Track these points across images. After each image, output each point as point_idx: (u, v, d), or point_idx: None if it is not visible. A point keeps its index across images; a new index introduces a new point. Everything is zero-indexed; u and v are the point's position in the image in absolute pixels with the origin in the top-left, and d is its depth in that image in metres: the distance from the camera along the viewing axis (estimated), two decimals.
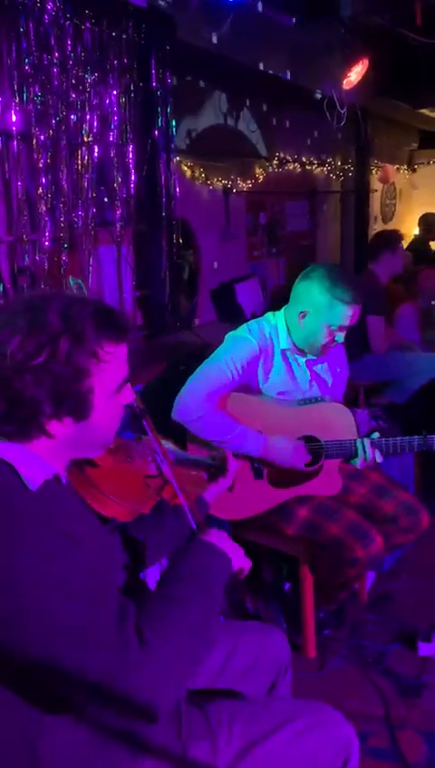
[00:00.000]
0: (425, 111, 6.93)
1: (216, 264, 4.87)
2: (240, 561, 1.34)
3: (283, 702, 1.53)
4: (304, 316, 2.29)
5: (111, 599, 1.10)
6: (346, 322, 2.26)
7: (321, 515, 2.28)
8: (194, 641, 1.13)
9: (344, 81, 5.06)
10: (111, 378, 1.16)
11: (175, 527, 1.56)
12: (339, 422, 2.31)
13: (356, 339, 3.97)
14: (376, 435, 2.27)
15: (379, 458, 2.24)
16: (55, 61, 2.94)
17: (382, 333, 4.01)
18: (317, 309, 2.26)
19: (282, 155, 5.74)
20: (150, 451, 1.53)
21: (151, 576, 1.66)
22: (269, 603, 2.74)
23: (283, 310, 2.39)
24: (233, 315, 4.76)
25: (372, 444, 2.24)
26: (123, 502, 1.35)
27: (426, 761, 2.03)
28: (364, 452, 2.22)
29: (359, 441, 2.24)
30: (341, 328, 2.28)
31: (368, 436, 2.26)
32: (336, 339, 2.30)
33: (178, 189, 3.77)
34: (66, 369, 1.10)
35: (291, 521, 2.31)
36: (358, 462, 2.24)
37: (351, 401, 4.02)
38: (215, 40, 3.78)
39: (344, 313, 2.24)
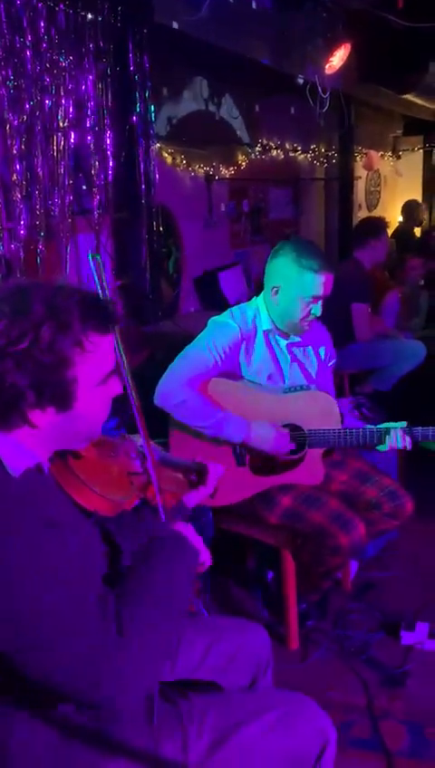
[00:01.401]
0: (409, 97, 6.88)
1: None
2: (202, 553, 1.37)
3: (256, 693, 1.51)
4: (276, 292, 2.27)
5: (93, 585, 1.11)
6: (319, 291, 2.24)
7: (303, 504, 2.26)
8: (166, 629, 1.15)
9: (327, 66, 5.00)
10: (95, 368, 1.15)
11: (152, 530, 1.54)
12: (323, 410, 2.29)
13: (340, 327, 3.95)
14: (404, 423, 2.24)
15: (409, 445, 2.21)
16: (28, 44, 2.87)
17: (367, 321, 3.99)
18: (288, 282, 2.24)
19: (265, 141, 5.68)
20: (135, 448, 1.52)
21: None
22: (251, 593, 2.73)
23: (262, 292, 2.36)
24: (217, 304, 4.71)
25: (404, 431, 2.21)
26: (106, 495, 1.33)
27: (408, 750, 2.03)
28: (397, 439, 2.20)
29: (389, 429, 2.21)
30: (314, 298, 2.25)
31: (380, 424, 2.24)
32: (313, 311, 2.27)
33: (157, 176, 3.71)
34: (49, 357, 1.08)
35: (273, 509, 2.29)
36: (389, 446, 2.21)
37: (336, 389, 4.00)
38: (193, 23, 3.71)
39: (314, 282, 2.22)
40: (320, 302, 2.27)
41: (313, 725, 1.34)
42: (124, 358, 1.41)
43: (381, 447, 2.24)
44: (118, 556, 1.45)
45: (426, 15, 4.86)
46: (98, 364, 1.15)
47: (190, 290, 4.74)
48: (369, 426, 2.28)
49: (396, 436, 2.21)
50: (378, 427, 2.25)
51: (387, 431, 2.22)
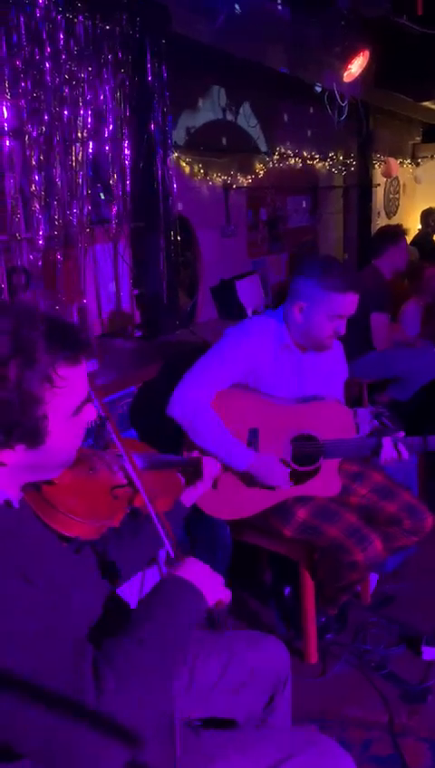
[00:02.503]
0: (428, 104, 6.83)
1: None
2: (218, 593, 1.22)
3: (282, 733, 1.46)
4: (301, 310, 2.26)
5: (65, 638, 1.02)
6: (344, 311, 2.23)
7: (319, 518, 2.23)
8: (155, 688, 1.04)
9: (345, 74, 4.97)
10: (67, 402, 1.09)
11: (151, 536, 1.49)
12: (337, 420, 2.27)
13: (359, 336, 3.91)
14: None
15: (404, 455, 2.18)
16: (47, 55, 2.88)
17: (385, 331, 3.95)
18: (313, 301, 2.23)
19: (282, 150, 5.67)
20: (117, 460, 1.44)
21: (135, 587, 1.60)
22: (269, 607, 2.70)
23: (281, 306, 2.35)
24: (234, 313, 4.71)
25: (397, 441, 2.19)
26: (86, 519, 1.26)
27: None
28: (395, 448, 2.17)
29: (380, 440, 2.19)
30: (340, 317, 2.23)
31: (393, 431, 2.20)
32: (337, 330, 2.25)
33: (175, 185, 3.71)
34: (16, 397, 1.03)
35: (289, 522, 2.26)
36: (380, 459, 2.18)
37: (354, 399, 3.97)
38: (211, 33, 3.72)
39: (340, 302, 2.21)
40: (344, 322, 2.26)
41: None
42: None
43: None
44: (114, 581, 1.42)
45: None
46: (69, 397, 1.09)
47: (208, 299, 4.73)
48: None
49: (390, 446, 2.17)
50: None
51: (380, 443, 2.18)
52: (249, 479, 2.24)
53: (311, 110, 5.68)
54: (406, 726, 2.13)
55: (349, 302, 2.23)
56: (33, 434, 1.07)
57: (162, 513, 1.41)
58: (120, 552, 1.47)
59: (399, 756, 2.02)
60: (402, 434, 2.22)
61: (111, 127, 3.30)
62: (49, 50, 2.89)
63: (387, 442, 2.17)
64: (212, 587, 1.21)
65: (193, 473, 1.67)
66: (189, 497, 1.66)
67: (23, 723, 0.96)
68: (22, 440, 1.07)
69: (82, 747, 0.96)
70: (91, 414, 1.16)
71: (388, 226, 4.80)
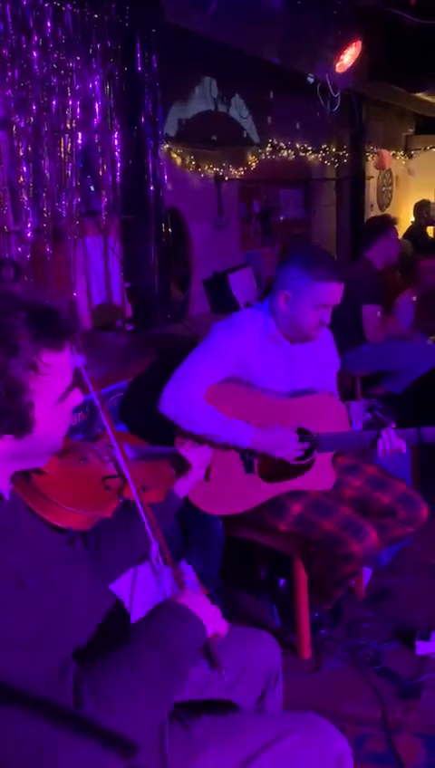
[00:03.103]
0: (421, 95, 6.81)
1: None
2: (216, 625, 1.19)
3: (272, 717, 1.45)
4: (286, 299, 2.24)
5: (50, 655, 1.00)
6: (329, 300, 2.21)
7: (314, 511, 2.21)
8: (141, 709, 1.02)
9: (337, 65, 4.94)
10: (52, 389, 1.07)
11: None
12: (330, 413, 2.25)
13: (352, 329, 3.89)
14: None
15: (403, 448, 2.17)
16: (35, 44, 2.83)
17: (377, 323, 3.92)
18: (297, 290, 2.21)
19: (275, 141, 5.62)
20: (108, 450, 1.43)
21: (127, 584, 1.58)
22: (263, 602, 2.68)
23: (268, 297, 2.33)
24: (227, 306, 4.66)
25: (397, 433, 2.17)
26: (77, 509, 1.23)
27: (424, 765, 1.97)
28: (389, 440, 2.15)
29: (380, 431, 2.17)
30: (325, 307, 2.21)
31: (387, 424, 2.19)
32: (322, 319, 2.23)
33: (166, 177, 3.67)
34: (2, 388, 1.01)
35: (284, 517, 2.24)
36: (379, 450, 2.16)
37: (347, 392, 3.95)
38: (202, 23, 3.67)
39: (325, 291, 2.20)
40: (329, 311, 2.24)
41: (331, 750, 1.29)
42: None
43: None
44: (107, 571, 1.40)
45: None
46: (55, 384, 1.07)
47: (200, 292, 4.70)
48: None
49: (388, 438, 2.15)
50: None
51: (379, 435, 2.16)
52: (248, 465, 2.22)
53: (303, 102, 5.63)
54: (400, 722, 2.11)
55: (334, 292, 2.21)
56: (20, 423, 1.05)
57: (150, 507, 1.39)
58: (112, 546, 1.45)
59: (393, 752, 2.00)
60: (394, 425, 2.20)
61: (99, 117, 3.25)
62: (36, 39, 2.85)
63: (386, 434, 2.15)
64: (210, 618, 1.18)
65: (183, 463, 1.66)
66: (182, 488, 1.66)
67: (7, 727, 0.94)
68: (9, 430, 1.05)
69: (64, 758, 0.94)
70: (77, 399, 1.14)
71: (376, 217, 4.77)
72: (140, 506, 1.35)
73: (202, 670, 1.47)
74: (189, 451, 1.69)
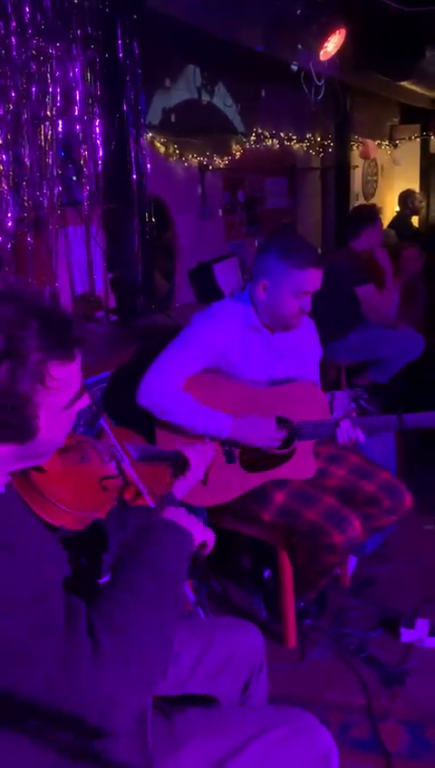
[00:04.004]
0: (405, 84, 6.77)
1: None
2: (201, 534, 1.24)
3: (256, 710, 1.45)
4: (264, 288, 2.23)
5: (56, 603, 0.99)
6: (308, 287, 2.20)
7: (298, 501, 2.21)
8: (154, 637, 1.03)
9: (321, 53, 4.90)
10: (59, 399, 1.07)
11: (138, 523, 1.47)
12: (311, 402, 2.25)
13: (337, 319, 3.88)
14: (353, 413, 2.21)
15: (361, 437, 2.17)
16: (13, 30, 2.79)
17: (376, 300, 3.88)
18: (276, 278, 2.20)
19: (259, 130, 5.59)
20: (110, 450, 1.42)
21: None
22: (248, 592, 2.68)
23: (247, 287, 2.31)
24: (212, 296, 4.64)
25: (353, 423, 2.17)
26: (72, 509, 1.23)
27: (408, 751, 1.98)
28: (346, 431, 2.16)
29: (339, 420, 2.16)
30: (304, 293, 2.20)
31: (347, 415, 2.19)
32: (302, 307, 2.21)
33: (149, 166, 3.63)
34: (6, 400, 1.00)
35: (267, 506, 2.24)
36: (338, 438, 2.16)
37: (332, 381, 3.95)
38: (185, 9, 3.63)
39: (303, 278, 2.18)
40: (309, 298, 2.22)
41: (316, 744, 1.29)
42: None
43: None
44: (96, 570, 1.39)
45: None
46: (62, 395, 1.06)
47: (185, 282, 4.67)
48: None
49: (346, 428, 2.16)
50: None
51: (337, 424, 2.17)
52: (230, 455, 2.21)
53: (288, 91, 5.59)
54: (385, 709, 2.13)
55: (313, 278, 2.20)
56: (24, 431, 1.05)
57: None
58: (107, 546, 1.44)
59: (377, 739, 2.01)
60: (354, 415, 2.20)
61: (80, 105, 3.21)
62: (14, 24, 2.80)
63: (345, 424, 2.14)
64: (196, 528, 1.22)
65: (182, 464, 1.67)
66: (180, 488, 1.67)
67: (27, 688, 0.94)
68: (13, 438, 1.05)
69: (87, 706, 0.94)
70: (83, 402, 1.13)
71: (362, 206, 4.77)
72: (150, 503, 1.37)
73: (183, 665, 1.47)
74: (191, 450, 1.69)
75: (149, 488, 1.48)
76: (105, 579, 1.24)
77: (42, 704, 0.95)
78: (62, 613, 0.98)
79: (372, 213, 4.16)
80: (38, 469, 1.20)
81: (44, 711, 0.96)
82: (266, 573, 2.68)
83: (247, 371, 2.27)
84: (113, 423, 2.59)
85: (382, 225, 4.33)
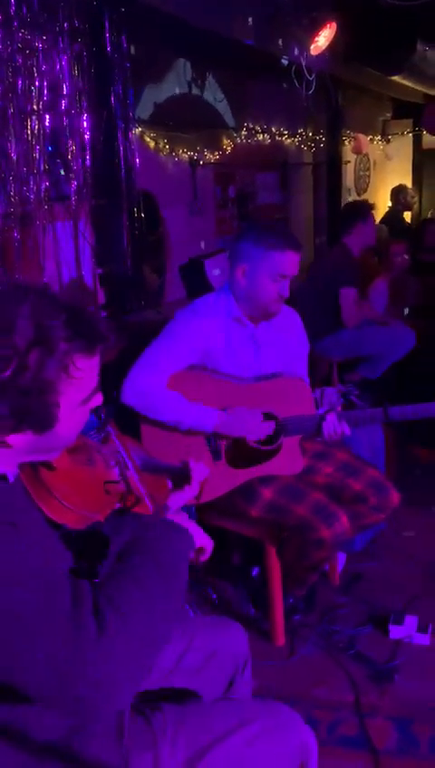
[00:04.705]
0: (397, 79, 6.74)
1: None
2: (201, 539, 1.29)
3: (235, 704, 1.44)
4: (243, 273, 2.21)
5: (62, 581, 1.02)
6: (285, 270, 2.19)
7: (286, 496, 2.19)
8: (156, 622, 1.05)
9: (312, 47, 4.88)
10: (79, 391, 1.11)
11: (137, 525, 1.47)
12: (296, 398, 2.23)
13: (329, 313, 3.88)
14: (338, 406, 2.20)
15: (347, 431, 2.16)
16: None
17: (354, 306, 3.91)
18: (253, 262, 2.18)
19: (250, 125, 5.57)
20: (115, 455, 1.45)
21: None
22: (237, 589, 2.66)
23: (228, 279, 2.30)
24: (203, 292, 4.60)
25: (338, 416, 2.16)
26: (76, 508, 1.25)
27: (396, 747, 1.98)
28: (332, 425, 2.15)
29: (325, 415, 2.15)
30: (281, 277, 2.19)
31: (332, 409, 2.17)
32: (280, 292, 2.20)
33: (138, 160, 3.61)
34: (33, 385, 1.04)
35: (255, 502, 2.22)
36: (324, 433, 2.15)
37: (324, 378, 3.94)
38: (174, 2, 3.60)
39: (280, 260, 2.17)
40: (287, 283, 2.21)
41: (295, 738, 1.28)
42: None
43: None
44: (94, 569, 1.38)
45: None
46: (82, 387, 1.11)
47: (176, 278, 4.65)
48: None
49: (332, 422, 2.15)
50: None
51: (323, 418, 2.16)
52: (216, 451, 2.20)
53: (279, 85, 5.57)
54: (373, 706, 2.12)
55: (289, 261, 2.18)
56: (43, 420, 1.08)
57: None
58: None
59: (365, 736, 2.00)
60: (339, 408, 2.20)
61: (67, 99, 3.18)
62: (0, 17, 2.77)
63: (331, 417, 2.13)
64: (196, 532, 1.28)
65: (182, 478, 1.67)
66: (176, 502, 1.65)
67: (29, 662, 0.95)
68: (32, 426, 1.08)
69: (88, 685, 0.95)
70: (98, 400, 1.17)
71: (355, 202, 4.76)
72: (151, 511, 1.38)
73: (169, 656, 1.47)
74: (194, 466, 1.68)
75: (151, 496, 1.49)
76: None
77: (41, 681, 0.95)
78: (69, 591, 1.01)
79: (364, 209, 4.15)
80: (48, 466, 1.23)
81: (41, 689, 0.96)
82: (255, 571, 2.67)
83: (231, 367, 2.25)
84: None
85: (375, 221, 4.32)
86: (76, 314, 1.08)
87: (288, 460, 2.24)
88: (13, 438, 1.08)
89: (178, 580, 1.15)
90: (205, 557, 1.30)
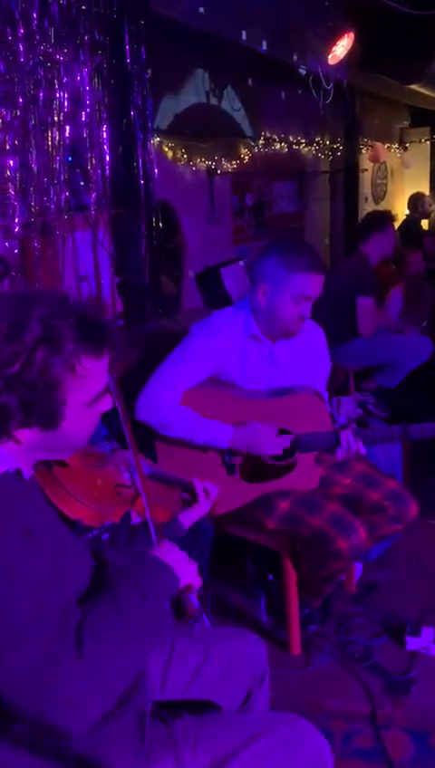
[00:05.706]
0: (415, 87, 6.74)
1: None
2: (189, 577, 1.29)
3: (253, 715, 1.45)
4: (264, 292, 2.20)
5: (59, 595, 1.06)
6: (307, 291, 2.16)
7: (302, 508, 2.19)
8: (128, 652, 1.10)
9: (330, 57, 4.90)
10: (86, 391, 1.15)
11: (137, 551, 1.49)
12: (312, 413, 2.22)
13: (346, 322, 3.88)
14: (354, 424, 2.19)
15: (362, 450, 2.15)
16: (21, 36, 2.80)
17: (371, 316, 3.91)
18: (275, 282, 2.16)
19: (268, 134, 5.59)
20: (124, 461, 1.50)
21: None
22: (253, 598, 2.66)
23: (247, 295, 2.30)
24: (219, 301, 4.64)
25: (354, 435, 2.15)
26: (90, 504, 1.31)
27: (412, 760, 1.97)
28: (347, 443, 2.14)
29: (340, 432, 2.15)
30: (304, 299, 2.17)
31: (347, 426, 2.16)
32: (301, 313, 2.19)
33: (156, 170, 3.64)
34: (40, 380, 1.09)
35: (272, 514, 2.22)
36: (338, 453, 2.14)
37: (340, 386, 3.93)
38: (192, 14, 3.63)
39: (303, 282, 2.15)
40: (310, 304, 2.19)
41: (311, 750, 1.29)
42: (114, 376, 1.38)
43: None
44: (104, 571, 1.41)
45: (432, 3, 4.76)
46: (89, 387, 1.14)
47: (193, 287, 4.67)
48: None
49: (347, 439, 2.13)
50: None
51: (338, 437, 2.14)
52: (230, 467, 2.20)
53: (296, 94, 5.59)
54: (389, 718, 2.11)
55: (313, 283, 2.16)
56: (50, 417, 1.12)
57: (160, 522, 1.44)
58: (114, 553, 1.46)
59: (381, 748, 2.00)
60: (354, 426, 2.19)
61: (88, 110, 3.22)
62: (22, 30, 2.81)
63: (346, 435, 2.13)
64: (186, 571, 1.28)
65: (191, 494, 1.69)
66: (188, 518, 1.68)
67: (12, 663, 0.99)
68: (39, 422, 1.11)
69: (56, 702, 0.98)
70: (106, 404, 1.21)
71: (375, 212, 4.75)
72: (148, 515, 1.39)
73: (187, 668, 1.48)
74: (199, 485, 1.69)
75: (159, 504, 1.52)
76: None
77: (17, 686, 0.99)
78: (62, 606, 1.05)
79: (383, 220, 4.15)
80: (61, 464, 1.26)
81: (16, 695, 0.99)
82: (270, 577, 2.66)
83: (247, 382, 2.25)
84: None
85: (394, 231, 4.30)
86: (86, 318, 1.13)
87: (304, 476, 2.23)
88: (22, 434, 1.12)
89: (158, 619, 1.19)
90: (191, 593, 1.31)
